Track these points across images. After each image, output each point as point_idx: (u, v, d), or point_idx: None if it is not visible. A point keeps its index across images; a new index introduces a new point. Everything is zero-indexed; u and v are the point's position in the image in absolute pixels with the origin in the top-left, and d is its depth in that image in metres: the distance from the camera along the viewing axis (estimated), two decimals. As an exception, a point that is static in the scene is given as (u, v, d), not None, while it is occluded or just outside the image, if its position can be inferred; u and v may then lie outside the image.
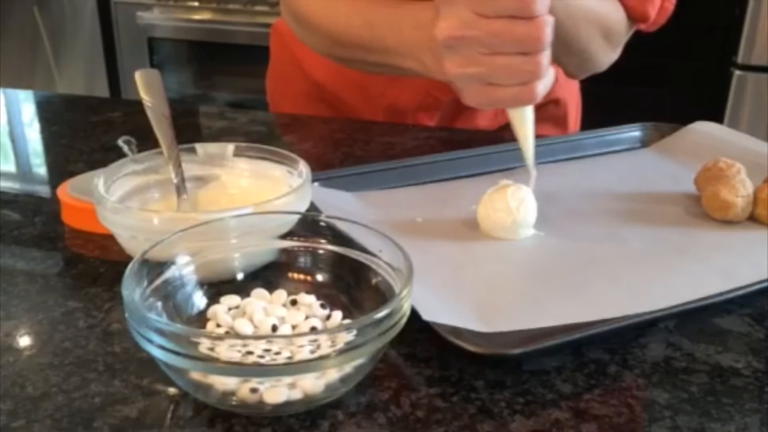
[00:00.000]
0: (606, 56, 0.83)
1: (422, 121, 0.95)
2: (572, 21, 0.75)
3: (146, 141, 0.66)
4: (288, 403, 0.42)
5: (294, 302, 0.50)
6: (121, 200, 0.59)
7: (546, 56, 0.58)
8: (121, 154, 0.66)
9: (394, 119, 0.95)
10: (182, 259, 0.50)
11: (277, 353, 0.39)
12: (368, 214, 0.66)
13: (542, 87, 0.59)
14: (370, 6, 0.73)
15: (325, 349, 0.40)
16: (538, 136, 0.87)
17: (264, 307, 0.49)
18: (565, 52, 0.80)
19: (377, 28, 0.72)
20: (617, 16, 0.80)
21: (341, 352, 0.40)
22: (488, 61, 0.58)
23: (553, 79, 0.61)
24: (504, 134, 0.96)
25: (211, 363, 0.39)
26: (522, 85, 0.58)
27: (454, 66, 0.60)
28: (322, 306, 0.50)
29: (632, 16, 0.81)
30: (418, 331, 0.49)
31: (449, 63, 0.60)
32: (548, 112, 1.00)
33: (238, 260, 0.52)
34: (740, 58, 1.86)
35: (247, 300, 0.50)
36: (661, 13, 0.82)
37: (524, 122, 0.62)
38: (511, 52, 0.57)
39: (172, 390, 0.45)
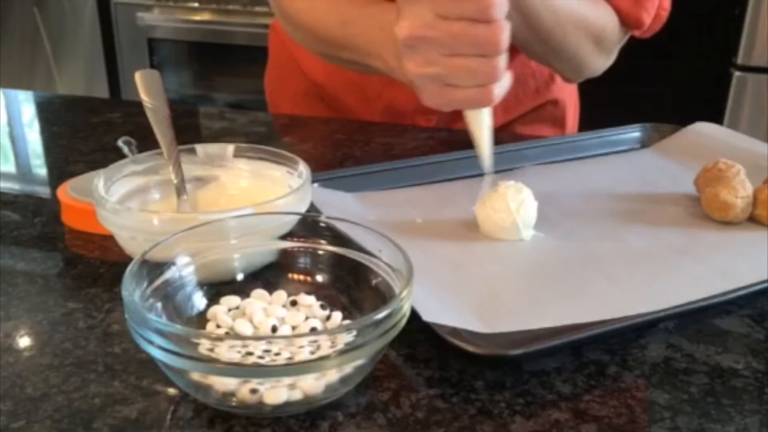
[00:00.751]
0: (599, 61, 0.83)
1: (420, 124, 0.95)
2: (560, 28, 0.75)
3: (146, 142, 0.66)
4: (288, 404, 0.42)
5: (294, 303, 0.50)
6: (121, 201, 0.59)
7: (503, 60, 0.59)
8: (120, 155, 0.66)
9: (392, 120, 0.95)
10: (182, 260, 0.50)
11: (277, 354, 0.39)
12: (368, 215, 0.66)
13: (498, 90, 0.60)
14: (346, 4, 0.75)
15: (325, 349, 0.40)
16: (537, 137, 0.88)
17: (264, 307, 0.49)
18: (556, 57, 0.80)
19: (349, 26, 0.74)
20: (609, 23, 0.80)
21: (341, 352, 0.40)
22: (447, 62, 0.59)
23: (510, 84, 0.61)
24: (503, 136, 0.96)
25: (211, 364, 0.39)
26: (479, 87, 0.59)
27: (413, 66, 0.61)
28: (322, 307, 0.50)
29: (626, 23, 0.82)
30: (417, 331, 0.49)
31: (409, 62, 0.61)
32: (546, 112, 1.00)
33: (238, 261, 0.52)
34: (740, 59, 1.86)
35: (247, 301, 0.50)
36: (656, 20, 0.82)
37: (480, 124, 0.63)
38: (469, 54, 0.58)
39: (171, 391, 0.45)
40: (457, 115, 0.96)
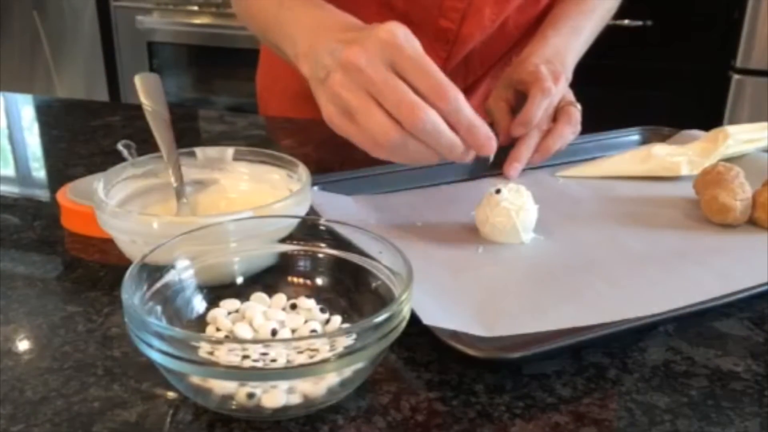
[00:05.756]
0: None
1: None
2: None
3: (146, 145, 0.66)
4: (287, 408, 0.42)
5: (293, 306, 0.50)
6: (121, 204, 0.59)
7: (404, 141, 0.55)
8: (120, 158, 0.66)
9: None
10: (182, 263, 0.49)
11: (273, 360, 0.39)
12: (368, 218, 0.66)
13: (388, 155, 0.57)
14: None
15: (325, 353, 0.40)
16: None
17: (264, 311, 0.49)
18: None
19: (285, 8, 0.69)
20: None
21: (341, 356, 0.40)
22: (363, 100, 0.55)
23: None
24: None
25: (211, 367, 0.39)
26: (369, 139, 0.56)
27: (335, 83, 0.56)
28: (322, 310, 0.50)
29: None
30: (417, 335, 0.49)
31: (334, 77, 0.57)
32: None
33: (238, 264, 0.52)
34: (739, 62, 1.86)
35: (247, 304, 0.50)
36: None
37: None
38: (387, 108, 0.54)
39: (171, 394, 0.45)
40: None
